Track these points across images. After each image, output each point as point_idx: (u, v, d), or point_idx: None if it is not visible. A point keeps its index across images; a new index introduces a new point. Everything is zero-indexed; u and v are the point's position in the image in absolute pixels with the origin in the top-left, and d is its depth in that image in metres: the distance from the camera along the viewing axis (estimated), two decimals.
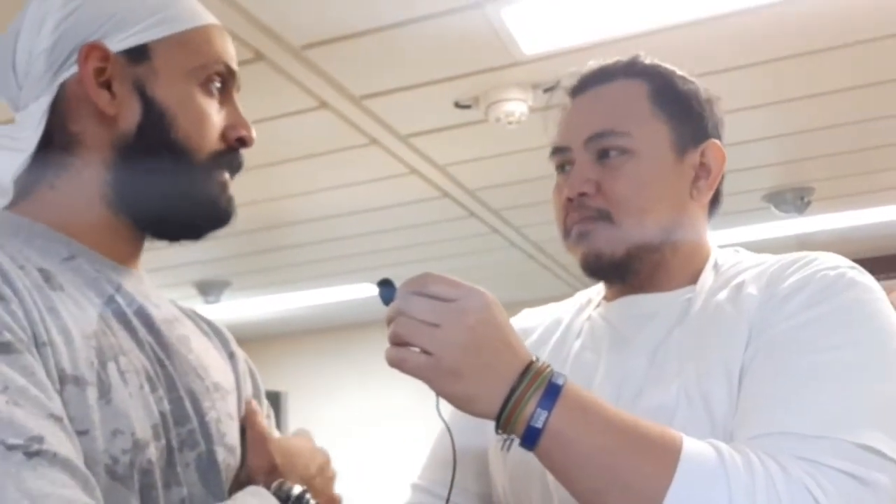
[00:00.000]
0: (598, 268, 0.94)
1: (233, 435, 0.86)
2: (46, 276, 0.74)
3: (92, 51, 0.79)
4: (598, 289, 1.05)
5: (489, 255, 4.40)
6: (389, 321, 0.74)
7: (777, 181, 3.58)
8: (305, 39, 2.18)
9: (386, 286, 0.77)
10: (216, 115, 0.84)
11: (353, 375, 5.91)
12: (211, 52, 0.84)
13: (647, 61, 0.98)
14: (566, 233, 0.95)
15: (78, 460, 0.65)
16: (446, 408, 0.78)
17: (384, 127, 2.78)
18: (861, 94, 2.70)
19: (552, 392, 0.72)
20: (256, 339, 5.30)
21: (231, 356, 0.95)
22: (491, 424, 0.75)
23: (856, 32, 2.29)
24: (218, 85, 0.85)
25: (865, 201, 3.89)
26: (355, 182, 3.27)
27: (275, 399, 5.52)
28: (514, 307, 1.06)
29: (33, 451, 0.61)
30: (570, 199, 0.93)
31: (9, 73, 0.82)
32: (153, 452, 0.73)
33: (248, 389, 0.96)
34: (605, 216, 0.92)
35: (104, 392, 0.71)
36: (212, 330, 0.96)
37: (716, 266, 0.96)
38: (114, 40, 0.80)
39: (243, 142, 0.86)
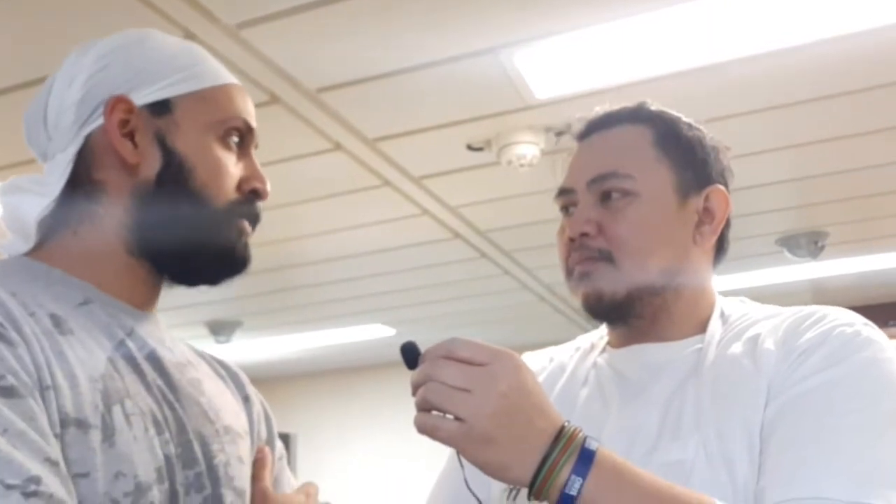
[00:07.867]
0: (599, 308, 0.93)
1: (242, 478, 0.87)
2: (57, 321, 0.76)
3: (118, 103, 0.83)
4: (601, 333, 1.04)
5: (500, 296, 4.39)
6: (416, 386, 0.72)
7: (790, 225, 3.57)
8: (320, 83, 2.21)
9: (410, 350, 0.74)
10: (233, 167, 0.87)
11: (363, 417, 5.86)
12: (230, 108, 0.88)
13: (653, 108, 0.99)
14: (569, 273, 0.95)
15: (72, 503, 0.67)
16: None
17: (397, 169, 2.80)
18: (876, 138, 2.70)
19: (586, 458, 0.71)
20: (266, 380, 5.28)
21: (246, 399, 0.96)
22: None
23: (870, 77, 2.30)
24: (236, 139, 0.88)
25: (881, 246, 3.87)
26: (368, 223, 3.29)
27: (283, 441, 5.45)
28: (526, 349, 1.05)
29: (30, 492, 0.63)
30: (572, 240, 0.93)
31: (39, 125, 0.87)
32: (156, 496, 0.74)
33: (262, 433, 0.96)
34: (606, 257, 0.91)
35: (108, 435, 0.72)
36: (227, 373, 0.98)
37: (723, 315, 0.95)
38: (139, 94, 0.84)
39: (257, 194, 0.89)
